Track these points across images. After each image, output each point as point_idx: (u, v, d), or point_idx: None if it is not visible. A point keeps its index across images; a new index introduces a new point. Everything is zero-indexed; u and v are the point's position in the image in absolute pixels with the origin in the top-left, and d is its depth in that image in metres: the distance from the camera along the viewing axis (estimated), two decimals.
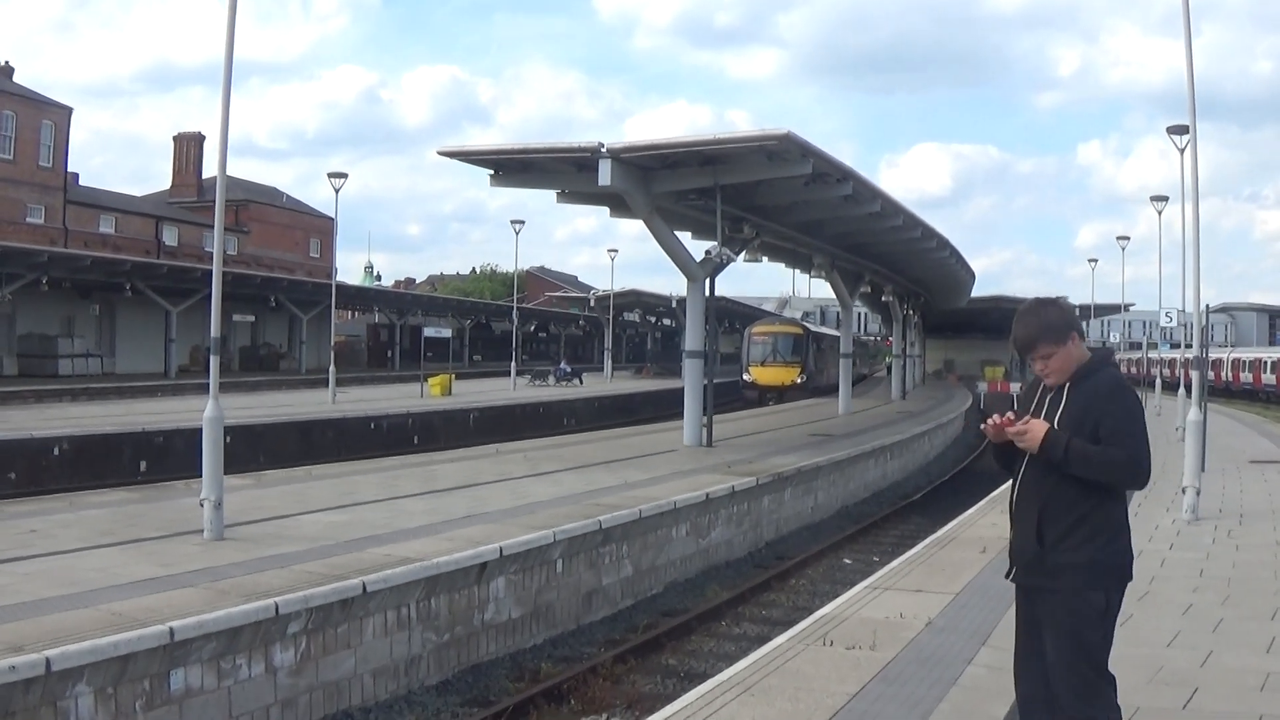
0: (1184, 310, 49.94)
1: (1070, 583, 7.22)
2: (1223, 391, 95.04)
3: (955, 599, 15.11)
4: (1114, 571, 7.34)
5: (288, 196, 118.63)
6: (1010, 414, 7.47)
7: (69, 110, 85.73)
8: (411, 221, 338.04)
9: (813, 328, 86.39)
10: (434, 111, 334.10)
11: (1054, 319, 7.56)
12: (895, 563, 18.61)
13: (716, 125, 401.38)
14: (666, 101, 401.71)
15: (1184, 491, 22.60)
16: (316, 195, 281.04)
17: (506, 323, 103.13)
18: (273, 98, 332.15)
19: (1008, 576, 7.68)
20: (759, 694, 11.01)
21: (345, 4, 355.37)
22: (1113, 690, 7.39)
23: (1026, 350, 7.57)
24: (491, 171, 33.28)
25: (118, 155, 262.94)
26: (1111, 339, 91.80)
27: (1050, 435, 7.22)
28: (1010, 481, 7.75)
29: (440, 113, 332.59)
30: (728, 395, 70.69)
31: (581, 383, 79.22)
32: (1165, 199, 62.30)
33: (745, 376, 73.97)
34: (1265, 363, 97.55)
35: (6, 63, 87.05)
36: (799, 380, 71.48)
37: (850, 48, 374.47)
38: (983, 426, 7.67)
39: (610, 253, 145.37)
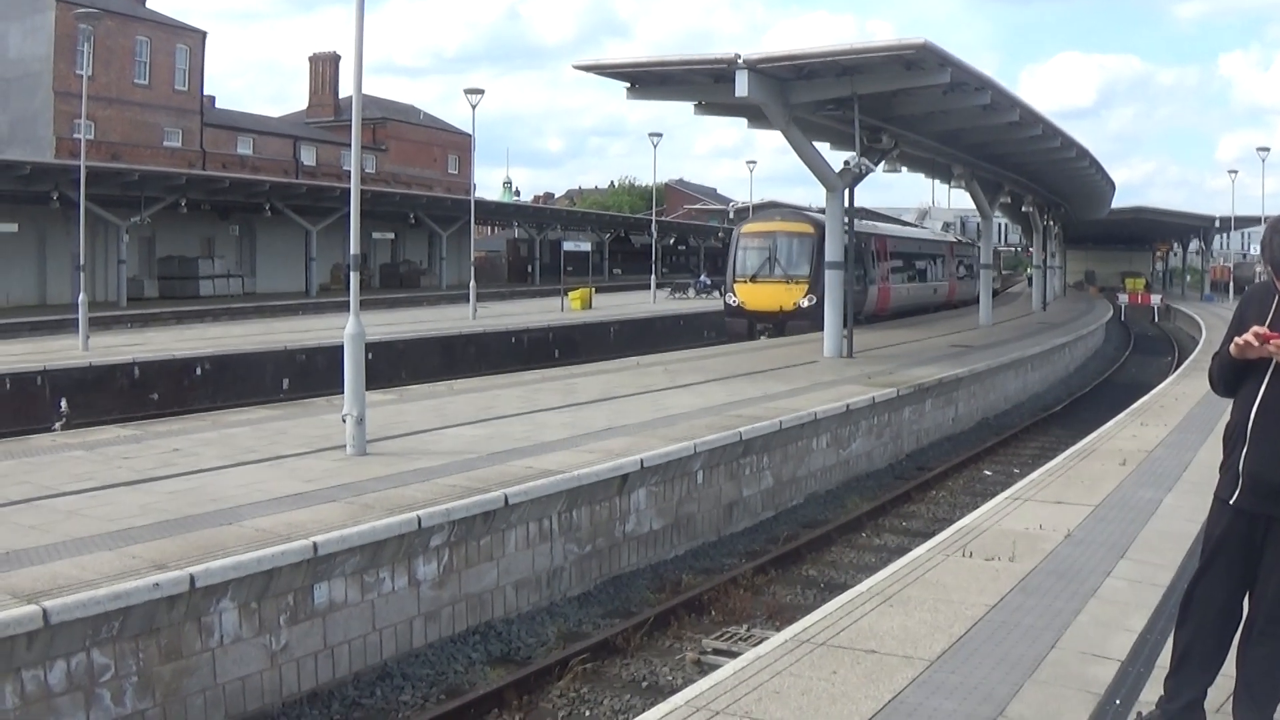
0: None
1: None
2: None
3: (1094, 511, 15.04)
4: None
5: (425, 114, 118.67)
6: (1264, 329, 6.99)
7: (203, 34, 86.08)
8: (551, 136, 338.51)
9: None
10: (574, 26, 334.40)
11: None
12: (1035, 474, 18.55)
13: (858, 35, 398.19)
14: (808, 12, 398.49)
15: None
16: (456, 113, 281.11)
17: (645, 236, 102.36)
18: (414, 16, 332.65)
19: (1230, 501, 7.31)
20: (898, 604, 11.01)
21: None
22: None
23: None
24: (629, 84, 33.25)
25: (257, 78, 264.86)
26: (1252, 251, 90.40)
27: None
28: (1237, 403, 7.40)
29: (580, 27, 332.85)
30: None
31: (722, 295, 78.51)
32: None
33: (729, 298, 49.92)
34: None
35: None
36: (804, 304, 46.73)
37: None
38: (1240, 340, 7.07)
39: (749, 164, 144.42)
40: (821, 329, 37.42)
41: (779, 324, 46.78)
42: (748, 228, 52.44)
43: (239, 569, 11.05)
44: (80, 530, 12.27)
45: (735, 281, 49.44)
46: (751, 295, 48.49)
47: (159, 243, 69.38)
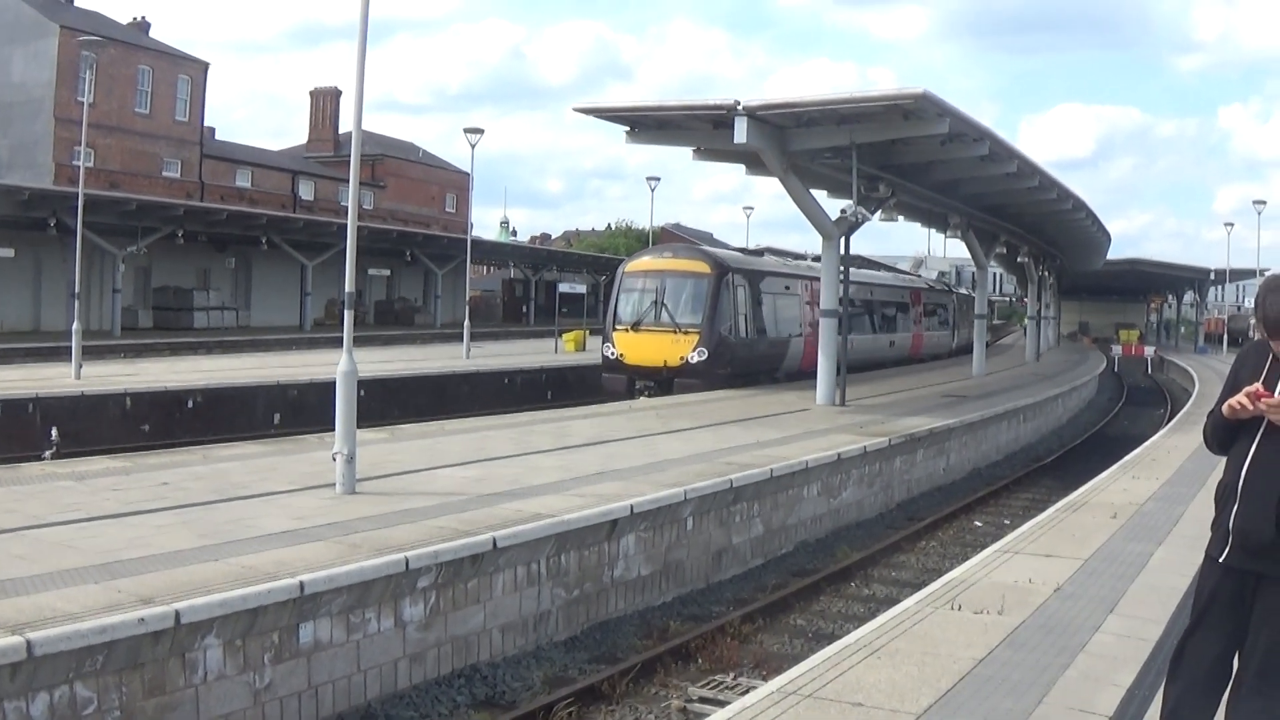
0: None
1: None
2: None
3: (1084, 565, 15.04)
4: None
5: (424, 151, 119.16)
6: (1258, 386, 7.06)
7: (205, 65, 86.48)
8: (551, 177, 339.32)
9: (754, 262, 47.47)
10: (577, 68, 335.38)
11: None
12: (1025, 526, 18.54)
13: (859, 84, 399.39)
14: (809, 59, 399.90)
15: None
16: (456, 151, 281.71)
17: None
18: (418, 53, 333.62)
19: (1220, 559, 7.33)
20: (886, 656, 11.00)
21: None
22: None
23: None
24: (628, 128, 33.32)
25: (259, 111, 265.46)
26: (1246, 304, 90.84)
27: None
28: (1229, 461, 7.39)
29: (583, 69, 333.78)
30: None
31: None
32: None
33: (607, 349, 41.35)
34: None
35: (143, 18, 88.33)
36: (693, 359, 39.27)
37: (995, 7, 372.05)
38: (1234, 401, 7.14)
39: (746, 210, 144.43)
40: (716, 388, 37.31)
41: (664, 382, 39.42)
42: (632, 265, 43.73)
43: (225, 606, 11.00)
44: (67, 562, 12.23)
45: (614, 330, 41.20)
46: (632, 347, 40.42)
47: (155, 273, 69.73)
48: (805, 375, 42.10)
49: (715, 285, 39.97)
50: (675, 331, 39.65)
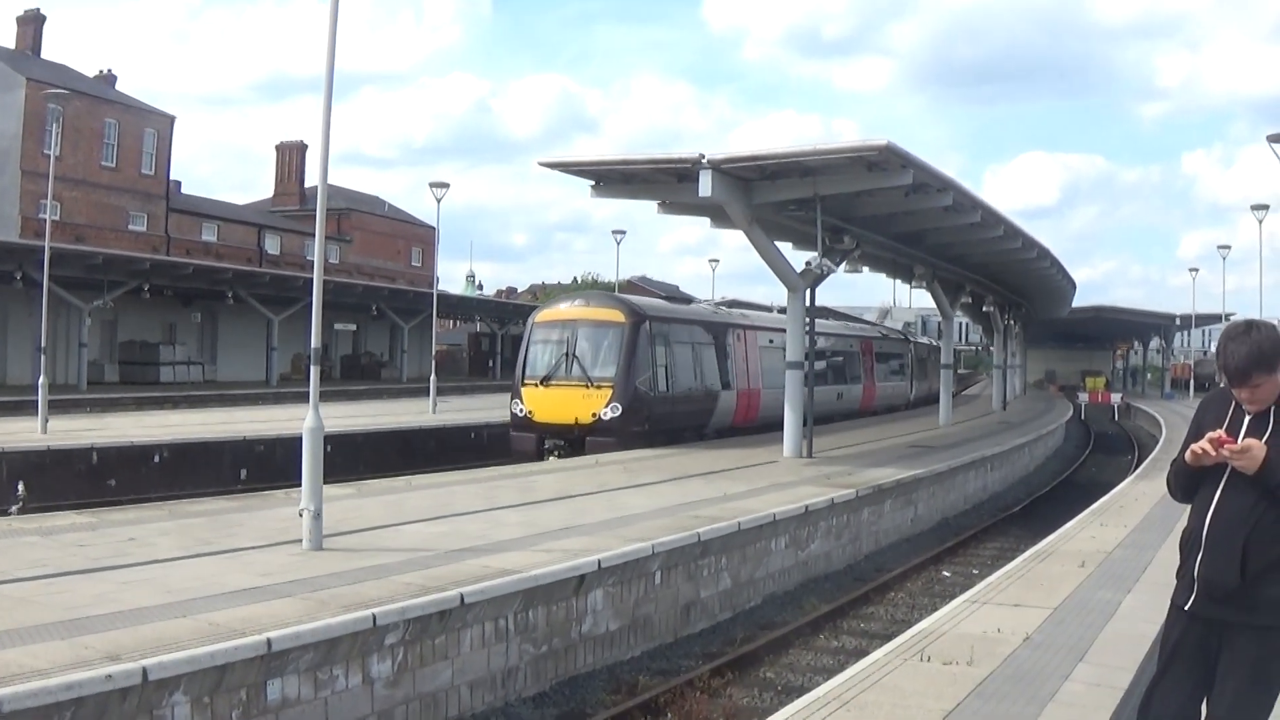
0: None
1: (1270, 618, 7.07)
2: None
3: (1053, 614, 15.05)
4: None
5: (389, 205, 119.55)
6: (1219, 433, 7.15)
7: (172, 118, 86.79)
8: (517, 231, 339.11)
9: (676, 310, 44.54)
10: (543, 122, 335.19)
11: (1269, 348, 7.18)
12: (994, 576, 18.53)
13: (825, 135, 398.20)
14: (775, 111, 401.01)
15: None
16: (423, 205, 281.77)
17: None
18: (384, 107, 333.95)
19: (1185, 607, 7.41)
20: (855, 709, 10.99)
21: (458, 14, 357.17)
22: None
23: (1241, 380, 7.23)
24: (593, 183, 33.37)
25: (225, 164, 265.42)
26: (1212, 349, 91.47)
27: (1271, 458, 6.98)
28: (1193, 509, 7.48)
29: (549, 123, 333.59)
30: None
31: None
32: (1266, 207, 62.12)
33: (515, 406, 38.37)
34: None
35: (109, 70, 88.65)
36: (605, 415, 36.46)
37: (959, 58, 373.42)
38: (1197, 448, 7.21)
39: (711, 262, 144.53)
40: (631, 448, 34.58)
41: (575, 442, 36.35)
42: (543, 315, 40.62)
43: (192, 663, 10.94)
44: (33, 618, 12.17)
45: (523, 385, 38.33)
46: (542, 403, 37.45)
47: (121, 327, 69.70)
48: (738, 431, 41.97)
49: (630, 335, 37.33)
50: (587, 386, 36.97)
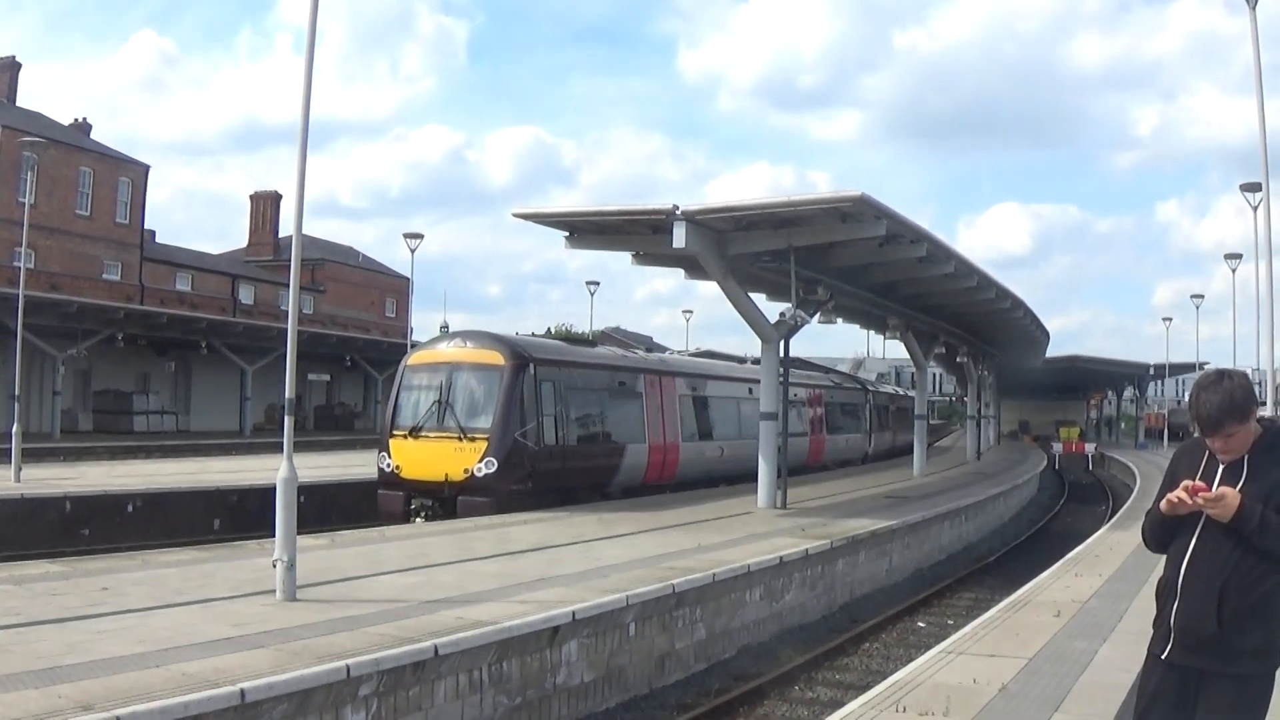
0: (1258, 368, 49.90)
1: (1248, 666, 7.10)
2: None
3: (1029, 664, 15.07)
4: None
5: (364, 256, 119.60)
6: (1194, 482, 7.17)
7: (146, 168, 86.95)
8: (491, 281, 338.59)
9: (572, 352, 39.66)
10: (517, 172, 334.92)
11: (1241, 397, 7.22)
12: (969, 627, 18.56)
13: (799, 186, 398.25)
14: (749, 162, 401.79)
15: None
16: (397, 255, 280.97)
17: None
18: (358, 157, 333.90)
19: (1162, 656, 7.41)
20: None
21: (434, 65, 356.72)
22: None
23: (1214, 429, 7.24)
24: (567, 233, 33.35)
25: (200, 213, 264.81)
26: (1185, 398, 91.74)
27: (1246, 505, 6.98)
28: (1169, 558, 7.49)
29: (524, 173, 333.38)
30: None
31: None
32: (1239, 256, 62.49)
33: (382, 460, 33.55)
34: None
35: (84, 119, 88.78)
36: (479, 471, 31.78)
37: (932, 109, 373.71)
38: (1173, 496, 7.22)
39: (685, 314, 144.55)
40: (510, 509, 30.56)
41: (447, 502, 31.85)
42: (415, 358, 35.98)
43: (165, 713, 10.89)
44: (6, 666, 12.16)
45: (391, 437, 33.74)
46: (410, 458, 32.85)
47: (95, 375, 69.78)
48: (650, 490, 38.43)
49: (511, 379, 32.87)
50: (460, 438, 32.37)
